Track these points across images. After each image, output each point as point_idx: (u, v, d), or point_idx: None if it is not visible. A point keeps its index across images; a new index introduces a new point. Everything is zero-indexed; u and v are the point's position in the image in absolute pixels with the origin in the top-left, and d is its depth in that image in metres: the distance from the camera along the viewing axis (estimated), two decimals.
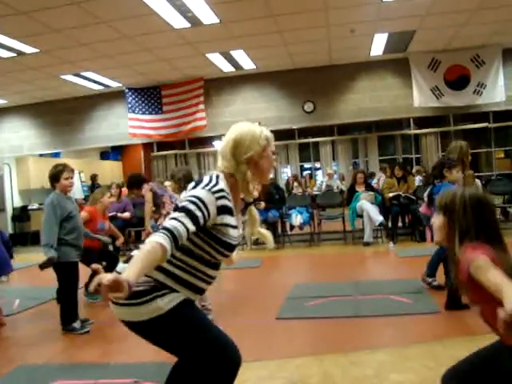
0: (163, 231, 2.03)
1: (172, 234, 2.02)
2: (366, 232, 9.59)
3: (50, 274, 5.24)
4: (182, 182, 5.26)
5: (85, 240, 5.48)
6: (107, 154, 18.68)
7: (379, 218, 9.46)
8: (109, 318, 5.56)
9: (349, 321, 4.89)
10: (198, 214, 2.13)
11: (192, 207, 2.13)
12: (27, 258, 10.89)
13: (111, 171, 17.38)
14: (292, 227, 10.65)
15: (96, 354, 4.49)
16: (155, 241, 1.97)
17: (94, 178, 15.38)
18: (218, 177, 2.30)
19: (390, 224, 10.02)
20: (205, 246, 2.26)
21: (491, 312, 1.86)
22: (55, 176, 5.17)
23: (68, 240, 5.06)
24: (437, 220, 2.22)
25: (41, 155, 14.97)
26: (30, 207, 14.62)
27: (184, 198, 2.23)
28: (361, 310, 5.16)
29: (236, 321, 5.08)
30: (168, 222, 2.09)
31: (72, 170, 5.37)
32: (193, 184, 2.32)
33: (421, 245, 9.05)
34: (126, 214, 9.41)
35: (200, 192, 2.20)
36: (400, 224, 10.38)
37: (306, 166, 18.55)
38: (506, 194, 10.35)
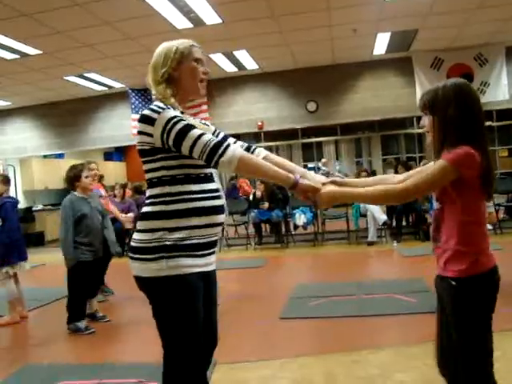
0: (225, 146, 2.09)
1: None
2: (370, 231, 9.59)
3: (55, 274, 5.25)
4: None
5: None
6: (111, 154, 18.72)
7: (383, 218, 9.45)
8: (113, 319, 5.58)
9: (352, 320, 4.89)
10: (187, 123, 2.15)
11: (181, 125, 2.12)
12: (31, 259, 10.90)
13: (115, 172, 17.41)
14: (296, 227, 10.64)
15: (101, 354, 4.50)
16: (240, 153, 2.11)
17: (100, 178, 15.40)
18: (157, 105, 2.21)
19: (393, 223, 10.02)
20: (183, 162, 2.18)
21: (449, 212, 2.09)
22: (76, 176, 5.22)
23: (78, 240, 5.08)
24: (425, 121, 2.16)
25: (45, 156, 15.01)
26: (34, 208, 14.65)
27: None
28: (364, 310, 5.16)
29: (239, 320, 5.09)
30: (198, 143, 2.08)
31: (90, 169, 5.57)
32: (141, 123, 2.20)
33: (425, 244, 9.02)
34: (130, 215, 9.43)
35: (162, 115, 2.14)
36: (404, 223, 10.37)
37: (310, 165, 18.54)
38: (510, 193, 10.33)
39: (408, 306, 5.13)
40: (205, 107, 12.38)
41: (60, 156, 15.42)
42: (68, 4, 7.09)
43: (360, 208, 9.76)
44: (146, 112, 2.18)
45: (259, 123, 12.11)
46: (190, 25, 8.43)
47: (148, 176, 2.23)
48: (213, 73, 11.85)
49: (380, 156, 17.00)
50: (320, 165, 13.61)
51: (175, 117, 2.14)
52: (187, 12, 7.92)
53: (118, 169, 18.25)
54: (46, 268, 9.55)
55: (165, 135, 2.11)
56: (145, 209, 2.23)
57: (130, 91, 12.69)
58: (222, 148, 2.08)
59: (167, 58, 2.36)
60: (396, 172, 10.35)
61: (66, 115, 13.42)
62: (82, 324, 5.08)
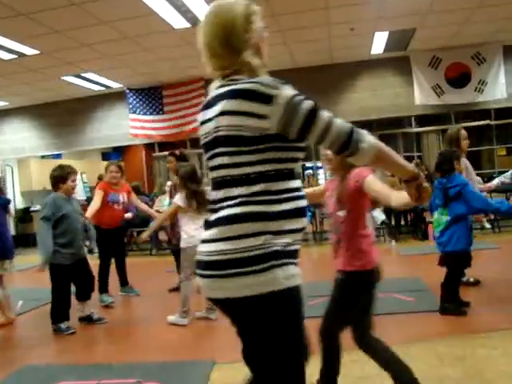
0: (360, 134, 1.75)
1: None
2: None
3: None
4: (184, 181, 5.14)
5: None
6: (109, 154, 18.67)
7: (381, 217, 9.44)
8: (112, 319, 5.57)
9: None
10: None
11: (308, 104, 1.71)
12: (30, 260, 10.90)
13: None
14: None
15: (99, 354, 4.50)
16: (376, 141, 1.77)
17: (100, 178, 15.32)
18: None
19: (392, 222, 10.02)
20: (292, 154, 1.77)
21: (355, 217, 2.76)
22: (63, 177, 5.16)
23: (59, 242, 5.02)
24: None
25: (42, 156, 14.99)
26: (32, 209, 14.63)
27: (287, 103, 1.67)
28: None
29: None
30: (336, 126, 1.70)
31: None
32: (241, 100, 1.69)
33: (423, 243, 9.04)
34: (129, 215, 9.41)
35: (284, 92, 1.70)
36: (402, 222, 10.38)
37: (308, 165, 18.51)
38: (508, 192, 10.32)
39: (406, 305, 5.13)
40: None
41: (58, 156, 15.38)
42: (65, 4, 7.09)
43: None
44: (255, 86, 1.69)
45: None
46: (187, 24, 8.42)
47: (242, 171, 1.72)
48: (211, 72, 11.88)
49: None
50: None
51: (298, 93, 1.72)
52: (184, 11, 7.91)
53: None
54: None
55: (289, 117, 1.66)
56: (233, 210, 1.71)
57: (127, 91, 12.69)
58: (360, 133, 1.75)
59: (248, 20, 1.86)
60: None
61: (63, 115, 13.41)
62: (64, 325, 5.08)
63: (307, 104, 1.69)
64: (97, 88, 12.48)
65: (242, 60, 1.81)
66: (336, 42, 10.27)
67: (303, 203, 1.79)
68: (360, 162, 1.81)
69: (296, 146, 1.76)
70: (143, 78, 11.85)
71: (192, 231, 5.03)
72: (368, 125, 14.97)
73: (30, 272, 9.47)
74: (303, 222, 1.78)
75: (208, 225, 1.79)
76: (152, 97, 12.70)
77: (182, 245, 5.13)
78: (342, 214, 2.70)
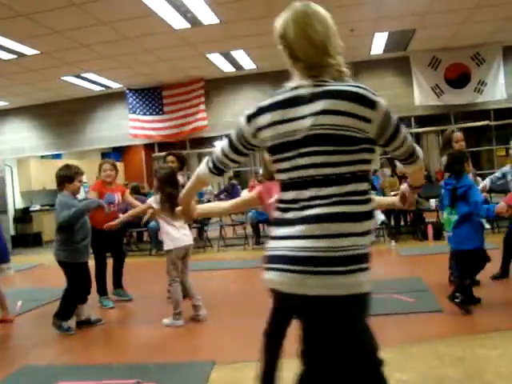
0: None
1: (211, 158, 2.09)
2: None
3: (53, 275, 5.24)
4: (160, 183, 5.12)
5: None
6: (108, 155, 18.67)
7: (381, 217, 9.46)
8: (111, 320, 5.57)
9: None
10: None
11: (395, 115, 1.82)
12: (29, 260, 10.91)
13: None
14: None
15: (99, 355, 4.50)
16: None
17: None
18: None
19: (392, 223, 10.02)
20: (375, 157, 1.86)
21: None
22: (70, 177, 5.13)
23: (75, 241, 5.03)
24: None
25: (42, 157, 14.99)
26: (31, 209, 14.64)
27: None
28: None
29: (237, 321, 5.07)
30: None
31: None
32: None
33: (423, 243, 9.04)
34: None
35: (382, 100, 1.82)
36: (402, 222, 10.38)
37: None
38: (507, 192, 10.31)
39: (406, 305, 5.13)
40: (202, 107, 12.40)
41: (58, 156, 15.38)
42: (65, 4, 7.08)
43: None
44: (362, 91, 1.77)
45: None
46: (187, 25, 8.43)
47: (337, 170, 1.73)
48: (210, 73, 11.91)
49: (378, 156, 16.97)
50: None
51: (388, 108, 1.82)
52: (184, 12, 7.91)
53: None
54: (44, 268, 9.55)
55: (385, 124, 1.76)
56: (327, 209, 1.71)
57: (127, 91, 12.69)
58: (417, 147, 1.95)
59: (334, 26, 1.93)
60: (393, 173, 10.38)
61: (63, 115, 13.41)
62: (66, 324, 5.09)
63: (395, 115, 1.81)
64: (97, 88, 12.48)
65: (337, 63, 1.88)
66: None
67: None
68: (412, 169, 2.02)
69: (375, 148, 1.82)
70: (143, 78, 11.85)
71: (174, 233, 5.07)
72: None
73: (29, 272, 9.49)
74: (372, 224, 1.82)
75: (290, 222, 1.78)
76: (152, 97, 12.71)
77: (166, 247, 5.13)
78: None
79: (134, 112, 12.76)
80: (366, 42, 10.40)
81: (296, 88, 1.84)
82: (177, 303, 5.07)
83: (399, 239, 9.58)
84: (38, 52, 9.12)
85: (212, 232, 10.84)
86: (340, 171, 1.72)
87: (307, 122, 1.74)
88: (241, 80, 12.37)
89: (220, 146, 2.06)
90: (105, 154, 18.64)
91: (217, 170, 2.08)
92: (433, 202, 9.16)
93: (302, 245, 1.71)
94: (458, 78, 11.40)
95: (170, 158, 6.32)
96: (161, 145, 13.74)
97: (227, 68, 11.60)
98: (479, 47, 11.19)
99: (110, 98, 13.11)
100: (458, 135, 5.97)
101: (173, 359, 4.13)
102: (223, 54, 10.56)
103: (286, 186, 1.86)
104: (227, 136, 2.04)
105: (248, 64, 11.41)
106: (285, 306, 1.89)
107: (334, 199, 1.71)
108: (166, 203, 4.99)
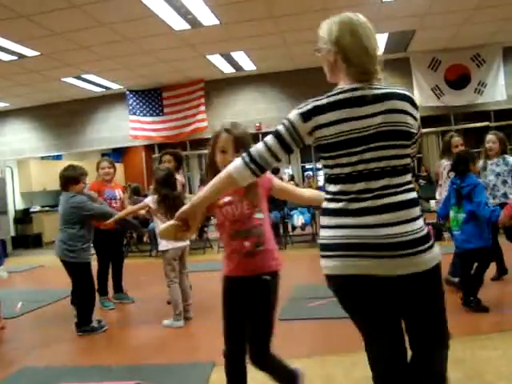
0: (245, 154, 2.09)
1: (249, 154, 2.08)
2: None
3: (53, 276, 5.24)
4: (157, 184, 5.13)
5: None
6: (108, 156, 18.68)
7: None
8: (112, 321, 5.57)
9: (351, 321, 4.87)
10: None
11: None
12: (29, 261, 10.91)
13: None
14: (294, 228, 10.65)
15: (98, 356, 4.49)
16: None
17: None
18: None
19: None
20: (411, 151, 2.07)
21: (266, 220, 2.73)
22: (75, 178, 5.12)
23: (83, 240, 5.06)
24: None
25: (42, 158, 15.00)
26: (31, 210, 14.64)
27: None
28: None
29: None
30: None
31: (87, 175, 5.56)
32: None
33: None
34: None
35: None
36: None
37: (308, 166, 18.52)
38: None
39: None
40: (202, 108, 12.41)
41: (58, 157, 15.40)
42: (65, 6, 7.09)
43: None
44: (409, 93, 2.06)
45: (257, 124, 12.10)
46: (187, 26, 8.43)
47: (404, 161, 1.99)
48: (210, 74, 11.92)
49: None
50: None
51: None
52: (184, 13, 7.92)
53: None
54: (44, 270, 9.55)
55: (419, 123, 2.07)
56: (401, 197, 1.94)
57: (127, 92, 12.71)
58: None
59: None
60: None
61: (63, 116, 13.42)
62: (95, 323, 5.12)
63: None
64: (97, 89, 12.49)
65: (378, 69, 2.12)
66: None
67: None
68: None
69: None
70: (143, 79, 11.86)
71: None
72: None
73: (29, 273, 9.49)
74: None
75: (367, 211, 1.94)
76: (152, 98, 12.72)
77: (161, 247, 5.13)
78: (260, 215, 2.67)
79: (134, 113, 12.77)
80: None
81: (354, 89, 2.01)
82: (176, 304, 5.07)
83: None
84: (39, 53, 9.13)
85: (212, 233, 10.84)
86: (406, 162, 1.99)
87: (377, 120, 1.94)
88: (241, 81, 12.38)
89: (263, 142, 2.11)
90: (105, 155, 18.65)
91: (256, 166, 2.07)
92: (433, 203, 9.14)
93: (388, 232, 1.91)
94: (458, 79, 11.41)
95: (167, 157, 6.16)
96: (161, 146, 13.73)
97: (227, 69, 11.60)
98: (479, 48, 11.19)
99: (110, 99, 13.12)
100: (457, 140, 6.04)
101: (173, 360, 4.13)
102: (223, 55, 10.56)
103: (348, 179, 1.98)
104: (274, 132, 2.12)
105: (248, 65, 11.42)
106: (370, 290, 2.01)
107: (403, 188, 1.96)
108: (160, 204, 5.01)
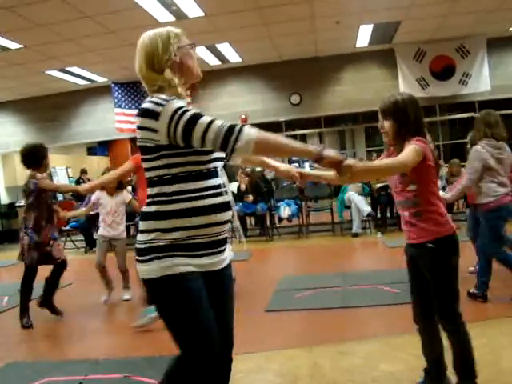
0: (234, 128, 1.96)
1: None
2: (355, 223, 9.64)
3: (40, 270, 5.22)
4: None
5: None
6: (94, 149, 18.60)
7: (367, 209, 9.51)
8: (98, 314, 5.56)
9: (337, 312, 4.92)
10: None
11: (189, 114, 1.98)
12: (15, 255, 10.82)
13: (98, 166, 17.29)
14: (280, 220, 10.67)
15: (85, 350, 4.48)
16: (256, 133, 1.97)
17: (84, 171, 15.11)
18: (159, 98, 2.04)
19: (378, 215, 10.08)
20: (188, 159, 2.04)
21: (424, 190, 2.63)
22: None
23: None
24: (386, 124, 2.71)
25: None
26: (17, 204, 14.51)
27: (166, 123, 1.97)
28: (349, 301, 5.18)
29: None
30: (212, 127, 1.95)
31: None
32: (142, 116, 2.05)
33: None
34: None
35: (167, 108, 1.99)
36: (388, 214, 10.43)
37: (294, 158, 18.54)
38: None
39: (392, 296, 5.16)
40: (188, 100, 12.34)
41: None
42: None
43: (344, 200, 9.80)
44: (148, 105, 2.02)
45: (243, 116, 12.08)
46: (172, 18, 8.39)
47: (148, 175, 2.08)
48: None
49: (364, 147, 17.10)
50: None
51: (181, 107, 1.99)
52: (169, 5, 7.88)
53: (102, 163, 18.10)
54: None
55: (172, 128, 1.94)
56: (144, 209, 2.11)
57: (112, 85, 12.61)
58: (236, 131, 1.94)
59: (167, 44, 2.18)
60: None
61: (48, 110, 13.31)
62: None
63: (187, 114, 1.97)
64: (82, 82, 12.40)
65: (161, 78, 2.17)
66: (321, 35, 10.28)
67: (206, 201, 2.05)
68: (242, 157, 2.23)
69: (185, 151, 2.03)
70: (128, 71, 11.75)
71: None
72: (354, 117, 15.06)
73: (15, 268, 9.42)
74: (208, 218, 2.07)
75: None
76: (137, 91, 12.64)
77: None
78: (412, 187, 2.64)
79: (120, 106, 12.69)
80: (352, 34, 10.41)
81: None
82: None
83: (385, 231, 9.63)
84: (22, 46, 9.05)
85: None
86: (151, 175, 2.08)
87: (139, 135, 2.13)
88: (226, 73, 12.35)
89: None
90: (90, 149, 18.57)
91: None
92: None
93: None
94: (443, 70, 11.46)
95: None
96: None
97: (213, 61, 11.56)
98: (464, 39, 11.25)
99: (95, 92, 13.04)
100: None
101: (160, 352, 4.13)
102: (208, 47, 10.52)
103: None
104: None
105: (233, 57, 11.40)
106: None
107: (147, 200, 2.12)
108: None
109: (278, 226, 10.82)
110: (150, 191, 2.08)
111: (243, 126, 1.98)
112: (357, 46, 11.33)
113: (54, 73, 11.23)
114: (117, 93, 12.66)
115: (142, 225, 2.07)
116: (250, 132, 1.96)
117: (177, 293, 2.03)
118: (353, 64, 12.05)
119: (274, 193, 10.83)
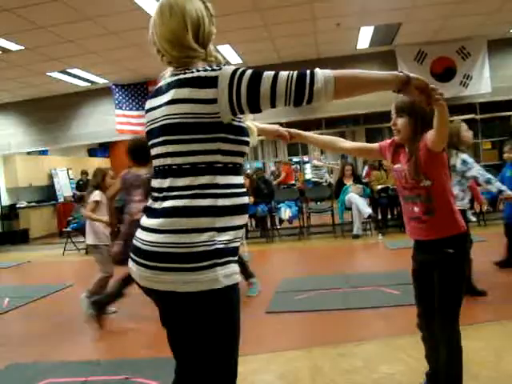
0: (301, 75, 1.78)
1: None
2: (355, 224, 9.63)
3: (40, 272, 5.22)
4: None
5: None
6: (95, 150, 18.63)
7: (368, 211, 9.50)
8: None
9: (338, 313, 4.92)
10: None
11: (250, 70, 1.75)
12: (16, 257, 10.85)
13: None
14: (281, 221, 10.67)
15: (86, 351, 4.49)
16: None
17: (82, 173, 15.14)
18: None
19: (378, 216, 10.08)
20: (240, 148, 1.77)
21: (439, 186, 2.57)
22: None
23: None
24: (399, 121, 2.71)
25: (28, 153, 14.89)
26: (18, 205, 14.54)
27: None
28: (350, 303, 5.18)
29: None
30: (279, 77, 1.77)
31: None
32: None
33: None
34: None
35: (224, 71, 1.72)
36: (389, 216, 10.44)
37: (295, 159, 18.58)
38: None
39: (393, 298, 5.16)
40: None
41: (44, 153, 15.31)
42: None
43: (345, 201, 9.81)
44: (198, 73, 1.69)
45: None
46: None
47: (188, 160, 1.68)
48: None
49: None
50: (315, 162, 13.43)
51: (239, 68, 1.73)
52: None
53: (102, 165, 18.16)
54: (31, 265, 9.50)
55: (234, 91, 1.66)
56: (179, 203, 1.66)
57: (113, 87, 12.63)
58: (309, 75, 1.76)
59: (209, 15, 1.98)
60: (380, 167, 10.45)
61: (49, 111, 13.31)
62: None
63: (248, 71, 1.78)
64: (82, 84, 12.40)
65: (207, 52, 1.93)
66: (322, 37, 10.28)
67: (245, 199, 1.81)
68: (323, 102, 1.81)
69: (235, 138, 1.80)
70: (129, 73, 11.79)
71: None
72: (355, 119, 15.08)
73: (16, 269, 9.44)
74: (245, 218, 1.81)
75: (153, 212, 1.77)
76: (138, 92, 12.65)
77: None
78: (427, 183, 2.59)
79: (121, 107, 12.70)
80: (352, 36, 10.41)
81: (164, 78, 1.88)
82: None
83: (386, 232, 9.63)
84: (23, 47, 9.05)
85: None
86: (194, 160, 1.69)
87: (162, 112, 1.76)
88: None
89: None
90: (91, 150, 18.60)
91: None
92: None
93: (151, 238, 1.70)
94: (444, 72, 11.45)
95: None
96: None
97: None
98: (464, 41, 11.24)
99: (95, 93, 13.04)
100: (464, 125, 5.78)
101: (161, 354, 4.13)
102: None
103: (154, 174, 1.85)
104: None
105: (234, 59, 11.39)
106: None
107: (182, 192, 1.68)
108: None
109: (278, 227, 10.82)
110: (187, 181, 1.68)
111: (313, 69, 1.77)
112: (357, 47, 11.33)
113: (55, 74, 11.23)
114: (117, 94, 12.67)
115: (181, 223, 1.65)
116: (324, 71, 1.74)
117: (236, 307, 1.78)
118: (353, 65, 12.00)
119: (275, 194, 10.84)
